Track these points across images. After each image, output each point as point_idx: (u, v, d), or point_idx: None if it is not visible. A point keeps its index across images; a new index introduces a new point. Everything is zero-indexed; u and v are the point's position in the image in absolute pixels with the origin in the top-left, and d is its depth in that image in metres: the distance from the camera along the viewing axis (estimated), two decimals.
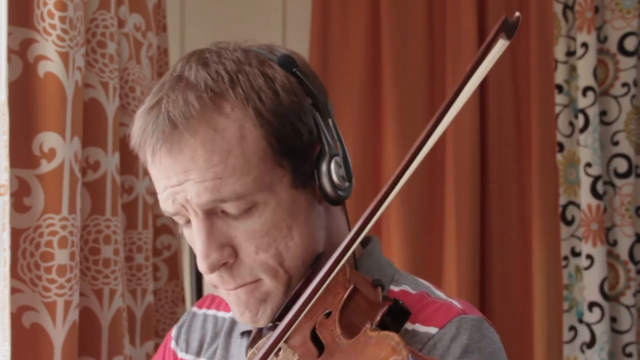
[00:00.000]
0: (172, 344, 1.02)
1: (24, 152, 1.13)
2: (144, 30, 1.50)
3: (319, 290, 0.70)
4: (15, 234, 1.12)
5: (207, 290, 2.14)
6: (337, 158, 0.83)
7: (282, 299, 0.83)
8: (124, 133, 1.42)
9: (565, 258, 2.24)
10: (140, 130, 0.81)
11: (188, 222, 0.83)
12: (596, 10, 2.20)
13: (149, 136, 0.79)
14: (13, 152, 1.12)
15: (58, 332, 1.14)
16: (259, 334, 0.87)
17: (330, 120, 0.86)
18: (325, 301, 0.72)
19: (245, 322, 0.86)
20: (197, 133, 0.77)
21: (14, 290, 1.11)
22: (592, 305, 2.14)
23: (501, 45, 0.65)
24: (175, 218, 0.83)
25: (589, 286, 2.14)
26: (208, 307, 1.03)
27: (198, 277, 2.13)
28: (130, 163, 1.43)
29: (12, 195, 1.12)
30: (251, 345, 0.86)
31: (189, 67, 0.82)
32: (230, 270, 0.81)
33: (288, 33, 2.48)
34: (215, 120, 0.78)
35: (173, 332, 1.04)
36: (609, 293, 2.16)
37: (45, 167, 1.15)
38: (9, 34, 1.13)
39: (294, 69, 0.83)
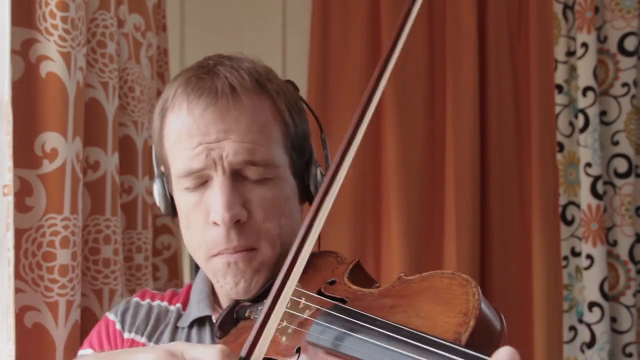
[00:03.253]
0: (118, 326, 1.05)
1: (26, 152, 1.13)
2: (143, 30, 1.50)
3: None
4: (18, 234, 1.12)
5: None
6: (321, 168, 1.01)
7: (271, 272, 0.93)
8: (124, 133, 1.42)
9: (565, 258, 2.24)
10: (187, 88, 0.93)
11: (202, 184, 0.92)
12: (596, 10, 2.21)
13: (201, 94, 0.91)
14: (16, 152, 1.12)
15: (60, 331, 1.14)
16: (229, 316, 0.92)
17: (322, 135, 1.06)
18: (321, 276, 0.87)
19: (237, 294, 0.94)
20: (246, 101, 0.91)
21: (16, 290, 1.11)
22: (592, 305, 2.14)
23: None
24: (193, 178, 0.92)
25: (589, 286, 2.14)
26: (151, 299, 1.09)
27: None
28: (129, 163, 1.43)
29: (15, 195, 1.11)
30: (221, 327, 0.91)
31: (226, 59, 0.97)
32: (240, 229, 0.90)
33: (288, 33, 2.48)
34: (259, 97, 0.93)
35: (113, 316, 1.06)
36: (609, 293, 2.16)
37: (47, 167, 1.15)
38: (11, 34, 1.13)
39: (298, 91, 1.04)
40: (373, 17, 2.34)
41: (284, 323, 0.79)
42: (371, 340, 0.69)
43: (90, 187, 1.30)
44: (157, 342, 1.02)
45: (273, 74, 0.99)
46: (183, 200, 0.95)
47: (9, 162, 1.11)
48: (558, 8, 2.25)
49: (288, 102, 0.97)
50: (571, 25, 2.26)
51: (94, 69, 1.31)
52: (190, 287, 1.09)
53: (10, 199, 1.11)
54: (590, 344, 2.13)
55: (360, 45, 2.33)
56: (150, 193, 1.51)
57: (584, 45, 2.18)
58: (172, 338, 1.01)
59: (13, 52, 1.13)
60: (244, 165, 0.90)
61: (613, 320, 2.18)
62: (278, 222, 0.93)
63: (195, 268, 2.10)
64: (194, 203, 0.93)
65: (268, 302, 0.74)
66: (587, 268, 2.15)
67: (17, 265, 1.11)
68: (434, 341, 0.64)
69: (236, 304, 0.93)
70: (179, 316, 1.05)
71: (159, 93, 1.65)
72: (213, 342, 0.96)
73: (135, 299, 1.09)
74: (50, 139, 1.15)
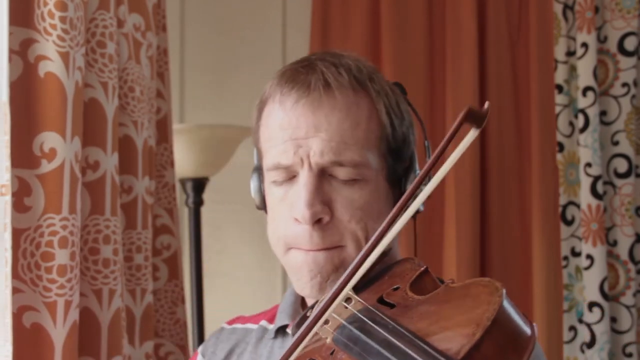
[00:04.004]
0: (199, 358, 1.09)
1: (25, 152, 1.13)
2: (143, 30, 1.50)
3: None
4: (16, 234, 1.12)
5: (207, 290, 2.15)
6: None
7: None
8: (123, 133, 1.42)
9: (565, 258, 2.24)
10: (281, 81, 0.92)
11: (288, 180, 0.91)
12: (596, 10, 2.21)
13: (293, 87, 0.90)
14: (14, 152, 1.12)
15: (58, 332, 1.14)
16: (304, 319, 0.91)
17: (426, 142, 1.02)
18: (391, 283, 0.84)
19: (310, 290, 0.91)
20: (340, 97, 0.89)
21: (14, 290, 1.11)
22: (592, 305, 2.14)
23: (471, 135, 0.74)
24: (281, 172, 0.91)
25: (589, 286, 2.14)
26: (240, 323, 1.11)
27: (198, 277, 2.13)
28: (129, 163, 1.43)
29: (13, 195, 1.11)
30: (298, 325, 0.90)
31: (329, 55, 0.95)
32: (323, 230, 0.89)
33: (288, 33, 2.49)
34: (356, 95, 0.91)
35: (200, 348, 1.11)
36: (609, 293, 2.16)
37: (46, 167, 1.14)
38: (10, 34, 1.13)
39: (405, 94, 1.01)
40: (373, 17, 2.34)
41: (327, 326, 0.78)
42: (372, 344, 0.69)
43: (90, 187, 1.30)
44: None
45: (378, 74, 0.96)
46: (271, 193, 0.94)
47: (6, 162, 1.11)
48: (558, 8, 2.25)
49: (389, 104, 0.94)
50: (571, 25, 2.26)
51: (93, 69, 1.31)
52: None
53: (8, 198, 1.11)
54: (590, 344, 2.13)
55: (360, 45, 2.33)
56: (150, 193, 1.52)
57: (584, 45, 2.18)
58: (254, 356, 1.01)
59: (12, 51, 1.13)
60: (331, 165, 0.88)
61: (613, 320, 2.18)
62: (366, 224, 0.90)
63: (196, 268, 2.10)
64: (280, 197, 0.92)
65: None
66: (587, 268, 2.15)
67: (16, 265, 1.11)
68: (426, 350, 0.64)
69: (315, 305, 0.91)
70: (263, 331, 1.05)
71: (158, 93, 1.65)
72: None
73: (223, 324, 1.12)
74: (49, 139, 1.15)
